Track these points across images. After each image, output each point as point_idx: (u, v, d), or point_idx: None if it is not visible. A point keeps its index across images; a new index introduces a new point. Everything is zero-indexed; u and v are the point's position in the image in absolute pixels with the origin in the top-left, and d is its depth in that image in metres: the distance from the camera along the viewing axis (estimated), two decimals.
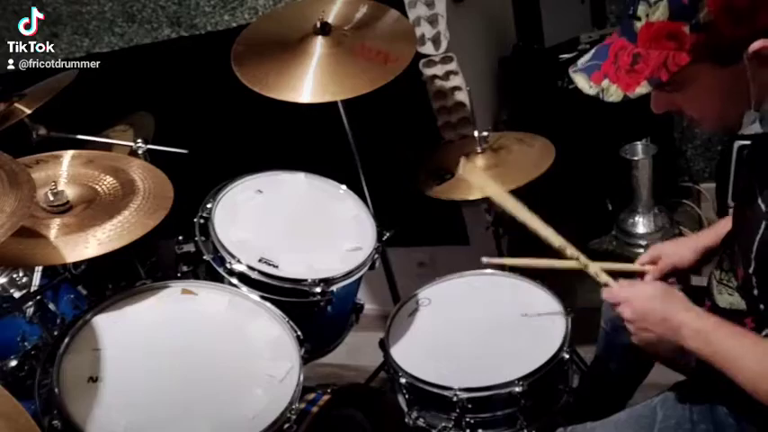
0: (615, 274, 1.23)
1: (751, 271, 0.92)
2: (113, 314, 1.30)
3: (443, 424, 1.41)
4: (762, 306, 0.94)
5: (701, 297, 1.26)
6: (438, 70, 1.99)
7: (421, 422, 1.45)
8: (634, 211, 2.31)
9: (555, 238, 1.28)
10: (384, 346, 1.52)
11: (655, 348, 1.06)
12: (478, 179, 1.63)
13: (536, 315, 1.51)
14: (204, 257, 1.49)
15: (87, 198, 1.39)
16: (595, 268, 1.23)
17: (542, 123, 2.04)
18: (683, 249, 1.28)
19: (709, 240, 1.26)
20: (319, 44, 1.68)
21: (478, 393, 1.35)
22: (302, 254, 1.52)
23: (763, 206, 0.90)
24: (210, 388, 1.23)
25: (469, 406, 1.36)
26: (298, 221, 1.63)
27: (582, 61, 0.99)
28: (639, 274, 1.32)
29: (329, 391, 1.44)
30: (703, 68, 0.88)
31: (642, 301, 1.07)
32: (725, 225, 1.25)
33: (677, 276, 1.30)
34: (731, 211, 1.06)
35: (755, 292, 0.93)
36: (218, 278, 1.46)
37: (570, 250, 1.27)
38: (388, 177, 1.96)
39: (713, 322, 0.98)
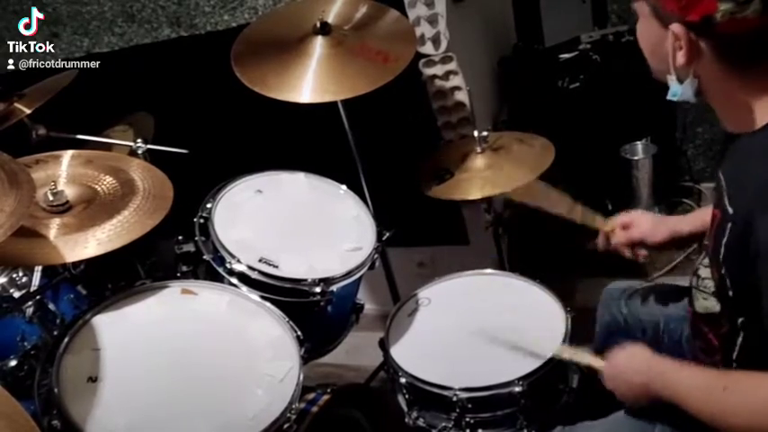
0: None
1: (723, 272, 0.93)
2: (113, 314, 1.30)
3: (443, 424, 1.41)
4: (738, 306, 0.95)
5: (684, 296, 1.27)
6: (438, 70, 1.99)
7: (421, 422, 1.44)
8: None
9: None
10: (384, 346, 1.52)
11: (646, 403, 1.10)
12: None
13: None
14: (204, 257, 1.49)
15: (87, 198, 1.39)
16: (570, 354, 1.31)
17: (542, 123, 2.05)
18: (660, 228, 1.29)
19: (687, 227, 1.27)
20: (319, 44, 1.68)
21: (478, 393, 1.35)
22: (302, 254, 1.52)
23: (729, 208, 0.90)
24: (210, 388, 1.23)
25: (469, 406, 1.36)
26: (298, 221, 1.63)
27: None
28: (604, 234, 1.36)
29: (329, 391, 1.44)
30: (644, 7, 0.94)
31: (614, 377, 1.12)
32: (706, 213, 1.25)
33: (641, 248, 1.32)
34: None
35: (730, 293, 0.94)
36: (218, 278, 1.46)
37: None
38: (388, 177, 1.96)
39: (668, 363, 1.03)
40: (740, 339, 0.97)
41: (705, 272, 1.05)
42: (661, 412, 1.10)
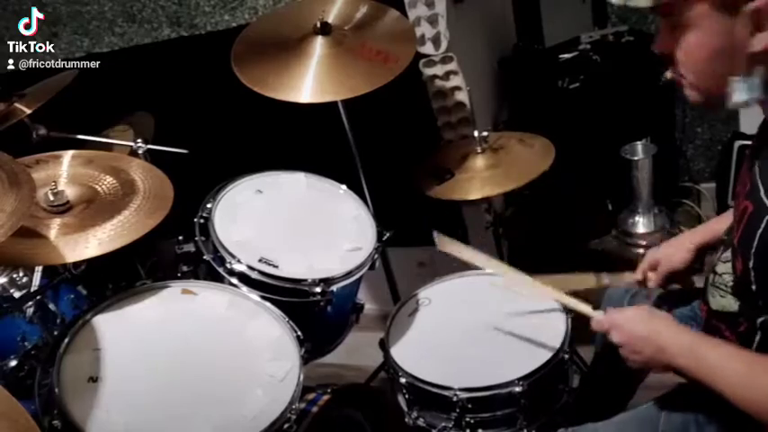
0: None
1: (751, 266, 0.92)
2: (113, 314, 1.30)
3: (443, 424, 1.41)
4: (760, 302, 0.94)
5: (687, 296, 1.26)
6: (438, 70, 1.99)
7: (421, 422, 1.45)
8: (634, 211, 2.31)
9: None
10: (384, 346, 1.52)
11: (647, 368, 1.09)
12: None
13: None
14: (204, 257, 1.49)
15: (87, 198, 1.39)
16: (579, 304, 1.28)
17: (542, 123, 2.05)
18: (680, 251, 1.28)
19: (703, 237, 1.26)
20: (319, 44, 1.68)
21: (478, 393, 1.35)
22: (302, 254, 1.52)
23: (766, 200, 0.89)
24: (210, 388, 1.23)
25: (469, 406, 1.36)
26: (298, 221, 1.63)
27: None
28: (640, 283, 1.33)
29: (329, 391, 1.44)
30: (703, 8, 0.84)
31: (629, 324, 1.08)
32: (719, 221, 1.24)
33: (677, 279, 1.31)
34: (731, 207, 1.06)
35: (753, 287, 0.93)
36: (218, 278, 1.46)
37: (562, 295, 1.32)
38: (388, 177, 1.96)
39: (697, 336, 1.01)
40: (758, 338, 0.96)
41: (723, 267, 1.04)
42: (668, 404, 1.10)
